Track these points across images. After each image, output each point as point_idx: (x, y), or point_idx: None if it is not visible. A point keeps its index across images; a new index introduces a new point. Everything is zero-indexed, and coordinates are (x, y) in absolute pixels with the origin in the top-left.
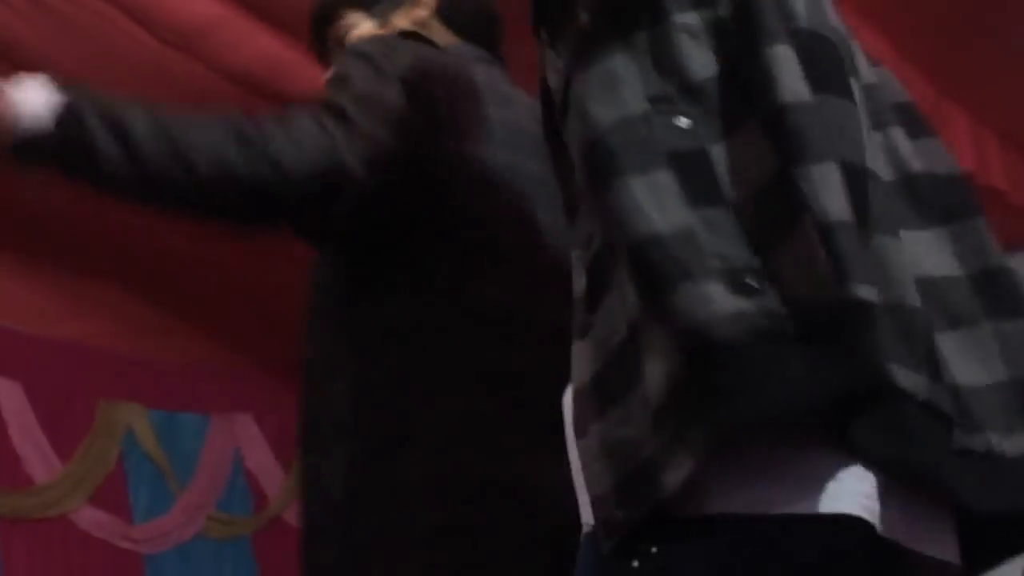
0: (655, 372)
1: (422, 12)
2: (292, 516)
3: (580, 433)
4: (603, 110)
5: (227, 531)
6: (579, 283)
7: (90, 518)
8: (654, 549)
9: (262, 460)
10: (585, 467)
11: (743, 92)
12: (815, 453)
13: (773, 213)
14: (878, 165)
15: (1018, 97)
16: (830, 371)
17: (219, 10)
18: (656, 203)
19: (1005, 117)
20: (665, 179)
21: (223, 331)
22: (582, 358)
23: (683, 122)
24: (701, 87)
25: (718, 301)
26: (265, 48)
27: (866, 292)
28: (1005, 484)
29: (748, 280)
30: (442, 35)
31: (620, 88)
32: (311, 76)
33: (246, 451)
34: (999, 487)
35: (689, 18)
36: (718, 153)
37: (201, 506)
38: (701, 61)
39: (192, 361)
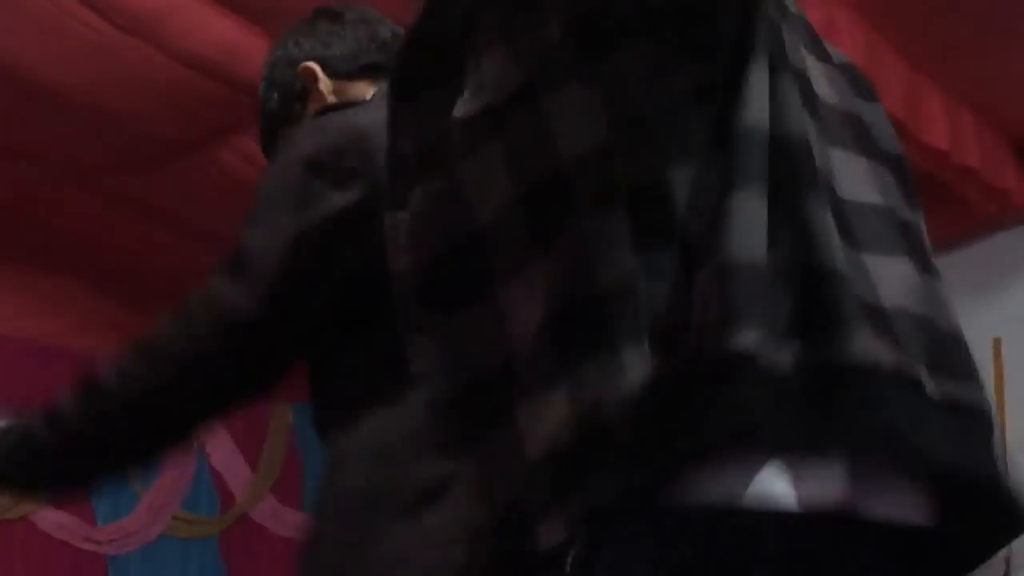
0: (541, 429)
1: (322, 90)
2: (259, 515)
3: (445, 451)
4: (570, 141)
5: (193, 531)
6: (407, 267)
7: (52, 520)
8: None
9: (228, 458)
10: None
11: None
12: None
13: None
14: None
15: (993, 73)
16: (710, 443)
17: None
18: (605, 250)
19: (980, 94)
20: (618, 222)
21: None
22: (429, 361)
23: (643, 157)
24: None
25: (632, 377)
26: (221, 33)
27: (749, 340)
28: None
29: (671, 337)
30: (357, 89)
31: (586, 120)
32: None
33: (211, 449)
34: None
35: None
36: (677, 185)
37: (165, 505)
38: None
39: None
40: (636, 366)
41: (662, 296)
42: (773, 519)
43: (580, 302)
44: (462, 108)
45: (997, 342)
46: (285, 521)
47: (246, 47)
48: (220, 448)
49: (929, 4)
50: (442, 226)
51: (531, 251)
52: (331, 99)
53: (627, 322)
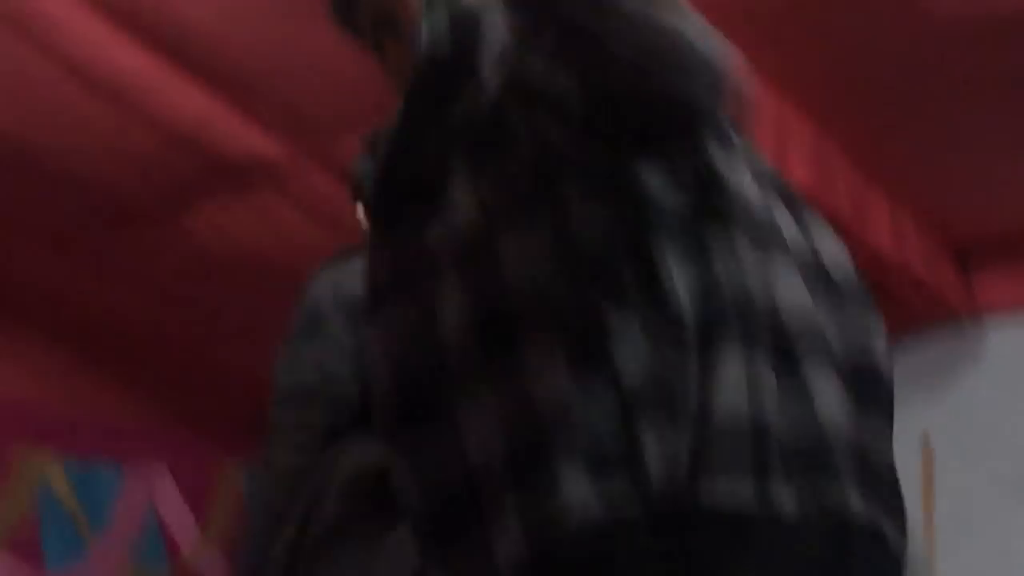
0: (501, 552)
1: None
2: (206, 570)
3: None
4: (514, 275)
5: None
6: (387, 389)
7: (2, 564)
8: None
9: (176, 514)
10: None
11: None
12: None
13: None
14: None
15: (939, 182)
16: None
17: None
18: (544, 379)
19: (924, 199)
20: (555, 348)
21: (138, 381)
22: (402, 470)
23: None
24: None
25: (575, 513)
26: (196, 107)
27: (733, 495)
28: None
29: (609, 471)
30: None
31: (533, 256)
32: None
33: (160, 503)
34: None
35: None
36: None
37: (114, 557)
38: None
39: (106, 411)
40: (575, 491)
41: (600, 424)
42: None
43: (521, 430)
44: (432, 236)
45: (926, 434)
46: None
47: (219, 121)
48: (169, 503)
49: (881, 115)
50: (415, 349)
51: (482, 377)
52: None
53: (564, 448)
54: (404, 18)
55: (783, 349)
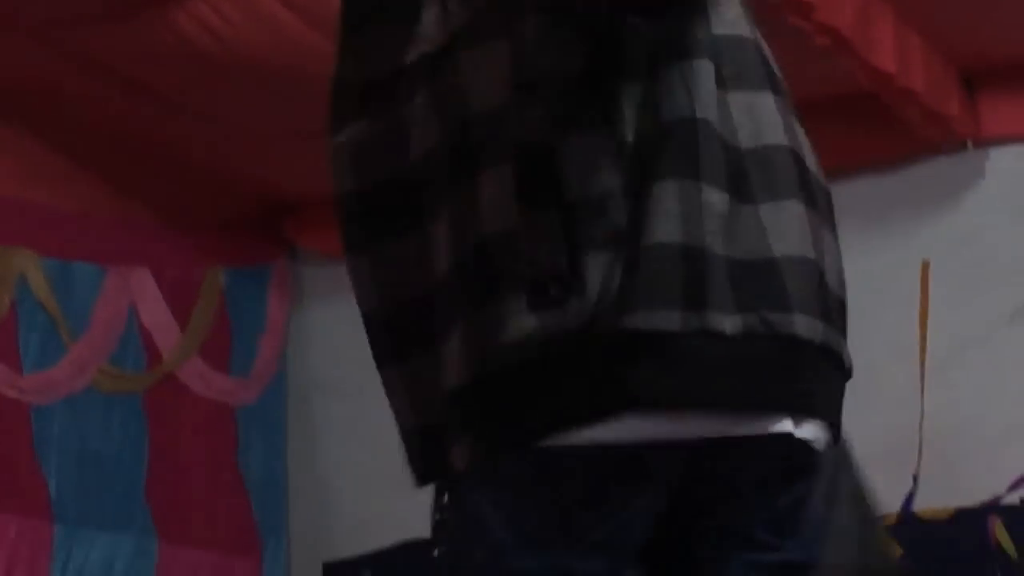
0: (451, 365)
1: None
2: (185, 375)
3: (381, 363)
4: (478, 96)
5: (118, 386)
6: (350, 189)
7: None
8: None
9: (157, 316)
10: (389, 396)
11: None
12: None
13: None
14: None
15: (945, 5)
16: (589, 397)
17: None
18: (494, 204)
19: (931, 20)
20: (507, 175)
21: (123, 181)
22: (364, 280)
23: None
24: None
25: (511, 327)
26: None
27: (641, 321)
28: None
29: (552, 290)
30: None
31: (493, 79)
32: None
33: (141, 306)
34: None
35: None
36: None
37: (92, 359)
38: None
39: (89, 210)
40: (515, 317)
41: (543, 253)
42: (650, 448)
43: (470, 252)
44: (409, 54)
45: (926, 265)
46: (210, 384)
47: None
48: (150, 306)
49: None
50: (382, 159)
51: (447, 195)
52: None
53: (509, 274)
54: None
55: (736, 179)
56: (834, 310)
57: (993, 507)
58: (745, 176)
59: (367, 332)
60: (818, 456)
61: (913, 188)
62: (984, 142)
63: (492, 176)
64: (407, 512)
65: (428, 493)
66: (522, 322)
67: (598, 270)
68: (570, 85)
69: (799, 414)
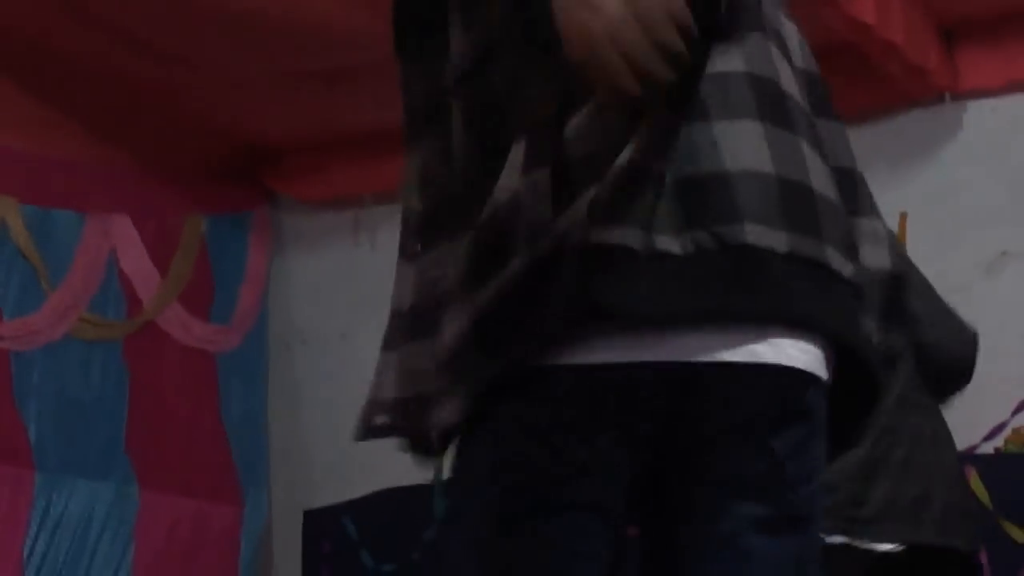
0: (449, 329)
1: None
2: (165, 322)
3: (387, 346)
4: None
5: (98, 333)
6: (416, 208)
7: None
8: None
9: (138, 263)
10: (379, 373)
11: None
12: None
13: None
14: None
15: None
16: (561, 312)
17: None
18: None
19: None
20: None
21: (104, 128)
22: (406, 282)
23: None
24: None
25: (505, 273)
26: None
27: (618, 236)
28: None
29: (542, 241)
30: None
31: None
32: None
33: (121, 253)
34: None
35: None
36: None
37: (72, 306)
38: None
39: (70, 157)
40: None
41: (543, 211)
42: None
43: (483, 224)
44: (448, 76)
45: (904, 217)
46: (191, 331)
47: None
48: (130, 253)
49: None
50: (438, 177)
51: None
52: None
53: (512, 238)
54: None
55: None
56: (824, 223)
57: (968, 457)
58: (701, 99)
59: (389, 320)
60: (813, 387)
61: (891, 141)
62: (962, 95)
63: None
64: (387, 460)
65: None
66: (512, 267)
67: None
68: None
69: (768, 326)
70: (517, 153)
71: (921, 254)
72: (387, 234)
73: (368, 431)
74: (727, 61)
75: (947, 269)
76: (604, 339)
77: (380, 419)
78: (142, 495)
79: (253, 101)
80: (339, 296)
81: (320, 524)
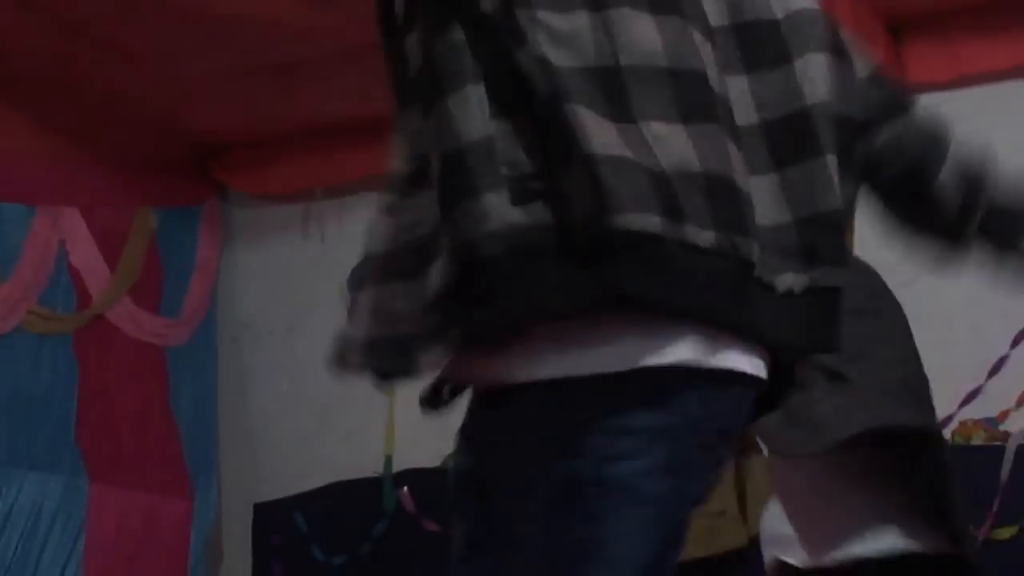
0: (435, 273)
1: None
2: (115, 316)
3: (354, 287)
4: (435, 32)
5: (48, 327)
6: (400, 164)
7: None
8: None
9: (87, 257)
10: (350, 313)
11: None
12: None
13: (556, 139)
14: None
15: None
16: (581, 288)
17: None
18: (465, 115)
19: None
20: (476, 92)
21: (53, 120)
22: (382, 232)
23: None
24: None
25: (493, 217)
26: None
27: (629, 221)
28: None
29: (532, 186)
30: None
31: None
32: None
33: (71, 246)
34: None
35: None
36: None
37: (22, 299)
38: None
39: (18, 150)
40: (496, 211)
41: (519, 155)
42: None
43: (448, 157)
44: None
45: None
46: (140, 325)
47: None
48: (80, 247)
49: None
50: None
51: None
52: None
53: (486, 173)
54: None
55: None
56: (747, 216)
57: None
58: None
59: (361, 263)
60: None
61: None
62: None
63: (468, 94)
64: (336, 453)
65: (359, 433)
66: (506, 215)
67: (578, 174)
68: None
69: (772, 342)
70: (480, 91)
71: (872, 248)
72: (336, 228)
73: (341, 367)
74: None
75: (895, 264)
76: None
77: (354, 358)
78: (92, 488)
79: (203, 95)
80: (288, 289)
81: (270, 517)
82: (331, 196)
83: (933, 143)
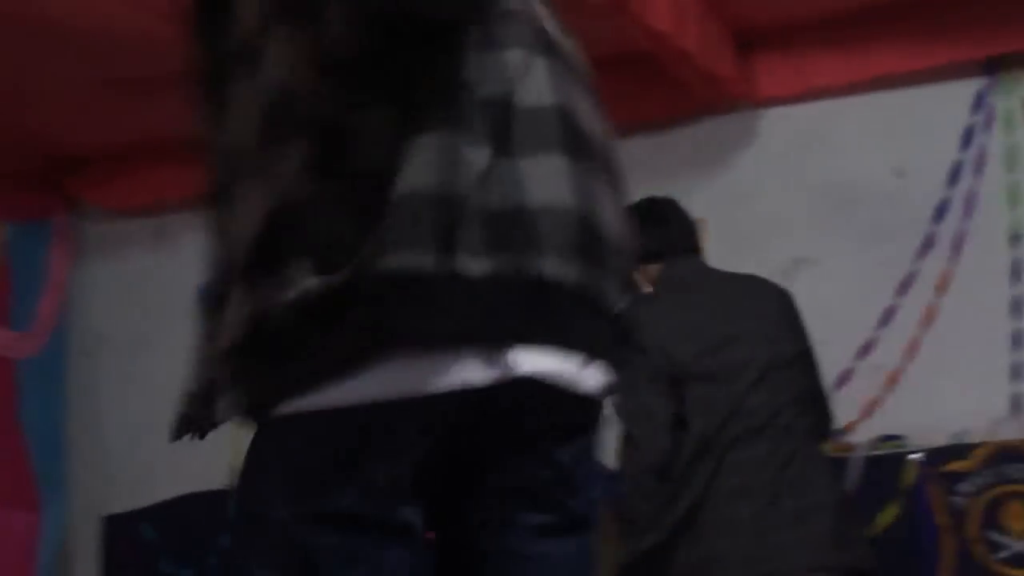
0: (232, 319)
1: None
2: None
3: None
4: (277, 69)
5: None
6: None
7: None
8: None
9: None
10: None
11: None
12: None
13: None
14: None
15: None
16: (347, 345)
17: None
18: (283, 176)
19: None
20: (302, 149)
21: None
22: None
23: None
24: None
25: (293, 287)
26: None
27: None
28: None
29: (334, 257)
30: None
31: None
32: None
33: None
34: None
35: None
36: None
37: None
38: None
39: None
40: (298, 281)
41: (334, 221)
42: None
43: (263, 220)
44: (231, 39)
45: (702, 223)
46: None
47: None
48: None
49: None
50: (212, 137)
51: (254, 171)
52: None
53: (294, 242)
54: None
55: (500, 136)
56: (608, 257)
57: None
58: (508, 132)
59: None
60: (595, 406)
61: (690, 147)
62: (759, 103)
63: (289, 151)
64: (186, 465)
65: (210, 445)
66: (305, 284)
67: (366, 229)
68: (365, 66)
69: (553, 350)
70: (300, 150)
71: (721, 260)
72: (189, 241)
73: (174, 429)
74: (542, 93)
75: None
76: (386, 369)
77: (180, 411)
78: None
79: (55, 107)
80: (140, 303)
81: (119, 529)
82: (184, 210)
83: None
